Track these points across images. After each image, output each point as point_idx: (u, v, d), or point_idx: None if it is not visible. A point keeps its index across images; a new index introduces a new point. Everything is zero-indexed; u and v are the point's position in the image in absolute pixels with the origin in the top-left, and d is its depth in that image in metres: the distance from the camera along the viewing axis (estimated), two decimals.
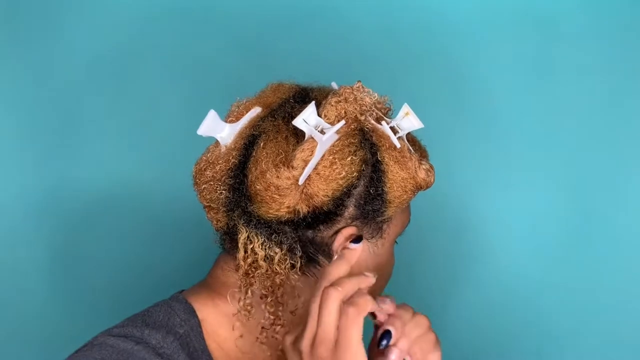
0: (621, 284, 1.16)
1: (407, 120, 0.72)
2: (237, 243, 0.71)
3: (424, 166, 0.72)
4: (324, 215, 0.70)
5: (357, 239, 0.70)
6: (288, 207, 0.68)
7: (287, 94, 0.75)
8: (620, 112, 1.16)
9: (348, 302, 0.63)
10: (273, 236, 0.70)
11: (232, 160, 0.71)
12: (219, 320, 0.74)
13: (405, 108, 0.72)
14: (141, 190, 1.15)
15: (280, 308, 0.71)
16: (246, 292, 0.71)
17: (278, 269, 0.70)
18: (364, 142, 0.70)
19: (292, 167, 0.67)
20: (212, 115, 0.72)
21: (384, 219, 0.73)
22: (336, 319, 0.63)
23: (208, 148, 0.75)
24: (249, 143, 0.71)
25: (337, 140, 0.69)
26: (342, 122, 0.70)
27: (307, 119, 0.68)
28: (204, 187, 0.73)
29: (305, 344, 0.64)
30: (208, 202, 0.73)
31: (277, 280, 0.70)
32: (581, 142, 1.16)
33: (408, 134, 0.73)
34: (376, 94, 0.73)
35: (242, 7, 1.16)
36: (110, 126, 1.15)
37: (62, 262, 1.14)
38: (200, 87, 1.15)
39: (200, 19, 1.15)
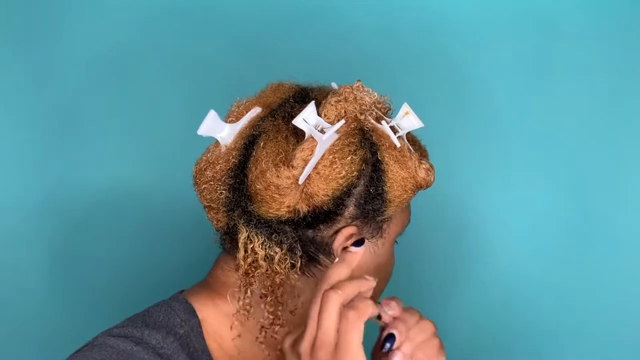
0: (621, 284, 1.16)
1: (407, 120, 0.72)
2: (237, 243, 0.71)
3: (424, 165, 0.72)
4: (324, 215, 0.70)
5: (358, 242, 0.70)
6: (288, 206, 0.68)
7: (287, 94, 0.75)
8: (620, 112, 1.16)
9: (348, 305, 0.63)
10: (273, 236, 0.70)
11: (232, 160, 0.71)
12: (219, 320, 0.74)
13: (405, 107, 0.72)
14: (141, 190, 1.15)
15: (280, 308, 0.71)
16: (246, 292, 0.71)
17: (278, 268, 0.70)
18: (364, 142, 0.70)
19: (292, 167, 0.67)
20: (212, 115, 0.72)
21: (384, 219, 0.73)
22: (336, 323, 0.62)
23: (208, 148, 0.75)
24: (249, 143, 0.71)
25: (337, 140, 0.69)
26: (342, 121, 0.70)
27: (307, 118, 0.68)
28: (204, 187, 0.73)
29: (304, 347, 0.63)
30: (208, 202, 0.73)
31: (277, 280, 0.70)
32: (581, 142, 1.16)
33: (408, 134, 0.74)
34: (376, 94, 0.73)
35: (242, 7, 1.16)
36: (111, 126, 1.15)
37: (62, 262, 1.14)
38: (200, 87, 1.15)
39: (200, 19, 1.15)
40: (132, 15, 1.14)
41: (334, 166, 0.68)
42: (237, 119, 0.74)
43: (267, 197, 0.68)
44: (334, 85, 0.76)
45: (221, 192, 0.72)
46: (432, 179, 0.73)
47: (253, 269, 0.70)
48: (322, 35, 1.16)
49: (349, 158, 0.69)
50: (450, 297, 1.18)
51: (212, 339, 0.74)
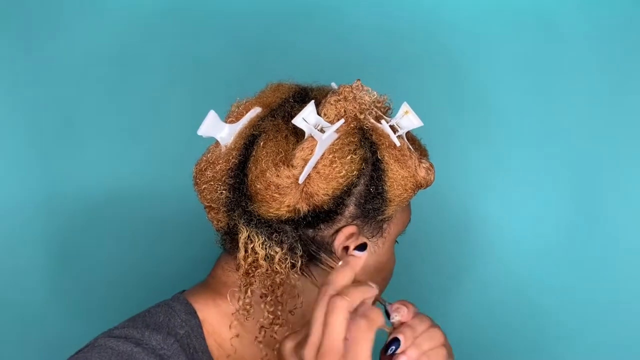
0: (621, 284, 1.16)
1: (407, 119, 0.72)
2: (237, 243, 0.71)
3: (424, 164, 0.72)
4: (324, 214, 0.70)
5: (361, 247, 0.69)
6: (288, 206, 0.69)
7: (286, 94, 0.75)
8: (620, 112, 1.16)
9: (361, 314, 0.61)
10: (273, 235, 0.70)
11: (232, 160, 0.71)
12: (220, 320, 0.74)
13: (405, 107, 0.72)
14: (141, 190, 1.15)
15: (280, 307, 0.71)
16: (246, 292, 0.71)
17: (278, 268, 0.70)
18: (364, 141, 0.71)
19: (292, 166, 0.67)
20: (212, 115, 0.72)
21: (385, 218, 0.73)
22: (344, 330, 0.61)
23: (208, 148, 0.75)
24: (249, 143, 0.71)
25: (336, 139, 0.69)
26: (342, 120, 0.70)
27: (306, 117, 0.68)
28: (205, 187, 0.73)
29: (309, 352, 0.61)
30: (209, 202, 0.73)
31: (277, 280, 0.70)
32: (581, 142, 1.16)
33: (408, 133, 0.74)
34: (375, 93, 0.73)
35: (242, 7, 1.16)
36: (111, 126, 1.15)
37: (62, 262, 1.14)
38: (200, 88, 1.15)
39: (200, 19, 1.15)
40: (132, 15, 1.14)
41: (334, 165, 0.68)
42: (237, 119, 0.74)
43: (267, 196, 0.68)
44: (334, 85, 0.76)
45: (221, 192, 0.72)
46: (432, 178, 0.73)
47: (253, 268, 0.70)
48: (322, 35, 1.16)
49: (348, 157, 0.69)
50: (451, 297, 1.18)
51: (212, 339, 0.74)
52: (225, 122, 0.74)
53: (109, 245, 1.15)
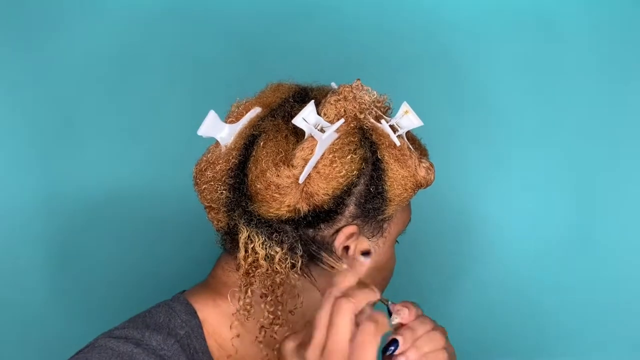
0: (621, 284, 1.16)
1: (407, 119, 0.72)
2: (237, 243, 0.71)
3: (424, 164, 0.72)
4: (324, 214, 0.70)
5: (366, 253, 0.69)
6: (288, 206, 0.69)
7: (286, 94, 0.75)
8: (620, 112, 1.16)
9: (368, 317, 0.62)
10: (274, 235, 0.70)
11: (232, 160, 0.71)
12: (220, 320, 0.74)
13: (405, 106, 0.72)
14: (142, 190, 1.15)
15: (280, 307, 0.71)
16: (246, 292, 0.71)
17: (278, 268, 0.70)
18: (364, 141, 0.71)
19: (292, 166, 0.67)
20: (211, 115, 0.72)
21: (385, 218, 0.73)
22: (349, 332, 0.61)
23: (208, 148, 0.75)
24: (249, 143, 0.71)
25: (337, 139, 0.69)
26: (342, 120, 0.70)
27: (306, 117, 0.68)
28: (205, 188, 0.73)
29: (312, 353, 0.62)
30: (209, 203, 0.73)
31: (277, 280, 0.70)
32: (581, 142, 1.16)
33: (408, 132, 0.74)
34: (375, 92, 0.73)
35: (242, 7, 1.16)
36: (110, 127, 1.14)
37: (62, 262, 1.14)
38: (200, 88, 1.15)
39: (200, 19, 1.15)
40: (132, 15, 1.14)
41: (334, 165, 0.68)
42: (237, 119, 0.74)
43: (268, 196, 0.68)
44: (334, 84, 0.76)
45: (221, 192, 0.72)
46: (432, 178, 0.73)
47: (253, 268, 0.70)
48: (322, 35, 1.16)
49: (349, 157, 0.69)
50: (451, 297, 1.18)
51: (212, 340, 0.74)
52: (225, 122, 0.74)
53: (109, 245, 1.15)
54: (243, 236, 0.70)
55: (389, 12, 1.17)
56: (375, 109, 0.73)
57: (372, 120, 0.72)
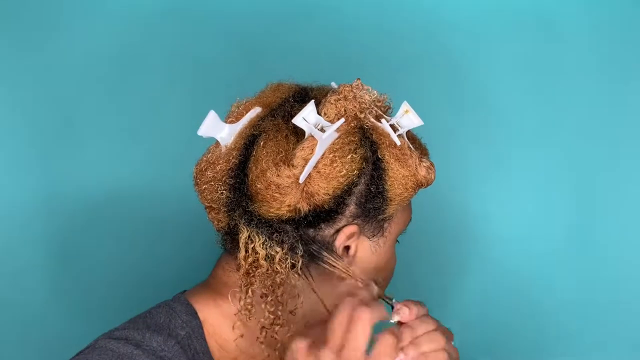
0: (621, 284, 1.16)
1: (407, 118, 0.72)
2: (238, 243, 0.71)
3: (424, 163, 0.72)
4: (325, 214, 0.70)
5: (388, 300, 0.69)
6: (289, 205, 0.69)
7: (286, 94, 0.75)
8: (620, 112, 1.16)
9: (390, 332, 0.63)
10: (274, 235, 0.70)
11: (233, 160, 0.71)
12: (221, 320, 0.74)
13: (405, 106, 0.72)
14: (142, 191, 1.15)
15: (280, 307, 0.71)
16: (247, 292, 0.71)
17: (279, 268, 0.70)
18: (364, 140, 0.71)
19: (293, 166, 0.67)
20: (212, 115, 0.72)
21: (385, 217, 0.73)
22: (367, 340, 0.62)
23: (208, 148, 0.75)
24: (249, 143, 0.71)
25: (337, 139, 0.69)
26: (342, 120, 0.70)
27: (306, 117, 0.68)
28: (205, 188, 0.73)
29: (327, 357, 0.62)
30: (209, 203, 0.73)
31: (278, 280, 0.70)
32: (581, 142, 1.16)
33: (408, 132, 0.74)
34: (375, 92, 0.73)
35: (242, 7, 1.16)
36: (111, 127, 1.14)
37: (62, 262, 1.14)
38: (200, 88, 1.15)
39: (200, 19, 1.15)
40: (132, 15, 1.14)
41: (335, 165, 0.68)
42: (237, 119, 0.74)
43: (268, 196, 0.68)
44: (334, 84, 0.76)
45: (222, 192, 0.72)
46: (432, 177, 0.73)
47: (254, 268, 0.70)
48: (322, 34, 1.16)
49: (349, 156, 0.69)
50: (451, 297, 1.18)
51: (213, 340, 0.74)
52: (225, 122, 0.74)
53: (109, 245, 1.15)
54: (243, 236, 0.70)
55: (389, 12, 1.17)
56: (375, 108, 0.73)
57: (372, 119, 0.72)
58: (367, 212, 0.71)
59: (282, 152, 0.69)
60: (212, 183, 0.72)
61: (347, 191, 0.70)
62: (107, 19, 1.14)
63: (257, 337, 0.72)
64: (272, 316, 0.71)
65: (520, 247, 1.17)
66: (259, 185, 0.68)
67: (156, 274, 1.15)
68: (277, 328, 0.72)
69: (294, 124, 0.69)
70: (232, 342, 0.74)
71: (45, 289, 1.14)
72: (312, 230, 0.70)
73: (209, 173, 0.72)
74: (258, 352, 0.74)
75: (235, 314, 0.73)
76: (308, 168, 0.67)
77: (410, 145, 0.73)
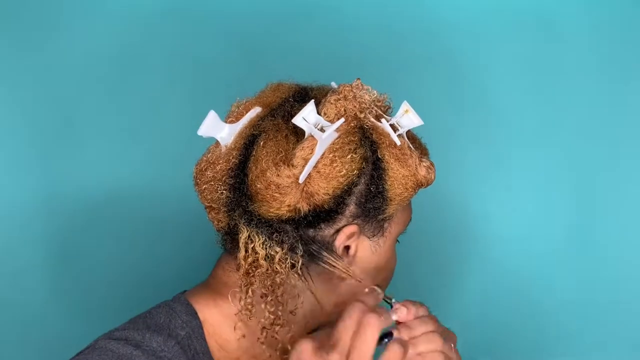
0: (621, 284, 1.16)
1: (407, 118, 0.72)
2: (238, 243, 0.71)
3: (424, 163, 0.72)
4: (325, 214, 0.70)
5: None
6: (289, 205, 0.69)
7: (286, 94, 0.75)
8: (620, 112, 1.16)
9: (398, 341, 0.64)
10: (274, 235, 0.70)
11: (233, 160, 0.71)
12: (221, 321, 0.74)
13: (405, 105, 0.72)
14: (142, 191, 1.15)
15: (280, 307, 0.71)
16: (247, 292, 0.71)
17: (278, 268, 0.70)
18: (364, 140, 0.71)
19: (292, 166, 0.67)
20: (212, 115, 0.72)
21: (385, 217, 0.73)
22: (375, 346, 0.62)
23: (208, 148, 0.75)
24: (249, 142, 0.71)
25: (337, 138, 0.69)
26: (342, 119, 0.70)
27: (306, 117, 0.68)
28: (205, 188, 0.73)
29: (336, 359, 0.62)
30: (209, 203, 0.73)
31: (278, 280, 0.70)
32: (581, 142, 1.16)
33: (408, 132, 0.74)
34: (375, 92, 0.73)
35: (242, 7, 1.16)
36: (111, 127, 1.14)
37: (62, 262, 1.14)
38: (200, 88, 1.15)
39: (200, 19, 1.15)
40: (132, 15, 1.14)
41: (334, 165, 0.68)
42: (237, 119, 0.74)
43: (268, 196, 0.68)
44: (334, 84, 0.76)
45: (222, 192, 0.72)
46: (432, 177, 0.73)
47: (254, 268, 0.70)
48: (322, 34, 1.16)
49: (349, 156, 0.69)
50: (450, 297, 1.18)
51: (213, 340, 0.74)
52: (225, 122, 0.74)
53: (109, 245, 1.15)
54: (243, 236, 0.70)
55: (389, 12, 1.17)
56: (375, 108, 0.73)
57: (372, 119, 0.72)
58: (367, 212, 0.71)
59: (282, 152, 0.69)
60: (212, 183, 0.72)
61: (347, 191, 0.70)
62: (107, 19, 1.14)
63: (258, 338, 0.72)
64: (272, 316, 0.71)
65: (520, 247, 1.17)
66: (258, 185, 0.68)
67: (156, 274, 1.15)
68: (277, 328, 0.72)
69: (293, 124, 0.69)
70: (232, 342, 0.74)
71: (45, 289, 1.14)
72: (312, 230, 0.70)
73: (209, 173, 0.72)
74: (259, 352, 0.74)
75: (235, 314, 0.73)
76: (308, 168, 0.67)
77: (410, 145, 0.73)
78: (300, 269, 0.71)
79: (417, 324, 0.68)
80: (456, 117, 1.16)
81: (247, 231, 0.70)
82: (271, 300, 0.71)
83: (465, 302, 1.18)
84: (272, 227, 0.70)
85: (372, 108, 0.72)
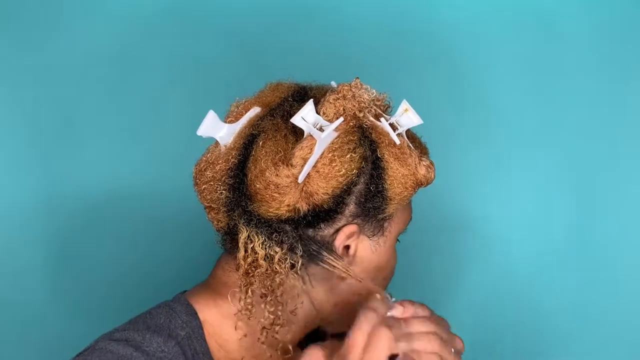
0: (621, 284, 1.16)
1: (406, 117, 0.72)
2: (237, 243, 0.71)
3: (424, 162, 0.72)
4: (324, 214, 0.70)
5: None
6: (288, 205, 0.68)
7: (285, 93, 0.75)
8: (620, 112, 1.16)
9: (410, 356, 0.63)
10: (273, 235, 0.70)
11: (232, 159, 0.71)
12: (221, 321, 0.74)
13: (404, 104, 0.72)
14: (142, 191, 1.15)
15: (280, 307, 0.71)
16: (246, 292, 0.71)
17: (278, 268, 0.70)
18: (363, 139, 0.70)
19: (292, 165, 0.67)
20: (211, 115, 0.72)
21: (385, 216, 0.73)
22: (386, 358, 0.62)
23: (208, 148, 0.75)
24: (248, 142, 0.71)
25: (336, 138, 0.69)
26: (341, 119, 0.70)
27: (305, 116, 0.68)
28: (204, 188, 0.73)
29: None
30: (209, 203, 0.73)
31: (277, 280, 0.70)
32: (581, 142, 1.16)
33: (408, 131, 0.73)
34: (374, 91, 0.73)
35: (242, 7, 1.16)
36: (111, 127, 1.14)
37: (62, 262, 1.14)
38: (200, 88, 1.15)
39: (200, 19, 1.15)
40: (132, 15, 1.14)
41: (334, 164, 0.68)
42: (237, 119, 0.74)
43: (267, 196, 0.68)
44: (333, 83, 0.76)
45: (221, 192, 0.72)
46: (432, 176, 0.73)
47: (253, 268, 0.70)
48: (322, 35, 1.16)
49: (348, 156, 0.69)
50: (450, 297, 1.18)
51: (213, 340, 0.74)
52: (225, 122, 0.74)
53: (109, 245, 1.15)
54: (243, 236, 0.70)
55: (389, 12, 1.16)
56: (374, 107, 0.73)
57: (371, 118, 0.72)
58: (367, 212, 0.71)
59: (281, 151, 0.69)
60: (212, 183, 0.72)
61: (347, 190, 0.70)
62: (107, 19, 1.14)
63: (258, 338, 0.72)
64: (272, 316, 0.71)
65: (520, 247, 1.17)
66: (258, 185, 0.68)
67: (156, 274, 1.15)
68: (277, 328, 0.72)
69: (292, 124, 0.69)
70: (233, 342, 0.74)
71: (45, 289, 1.14)
72: (311, 230, 0.70)
73: (208, 173, 0.72)
74: (260, 352, 0.74)
75: (235, 314, 0.73)
76: (307, 168, 0.67)
77: (410, 144, 0.73)
78: (300, 269, 0.71)
79: (414, 322, 0.68)
80: (456, 117, 1.16)
81: (247, 231, 0.70)
82: (271, 300, 0.71)
83: (465, 302, 1.18)
84: (271, 227, 0.70)
85: (371, 107, 0.72)
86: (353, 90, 0.72)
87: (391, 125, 0.72)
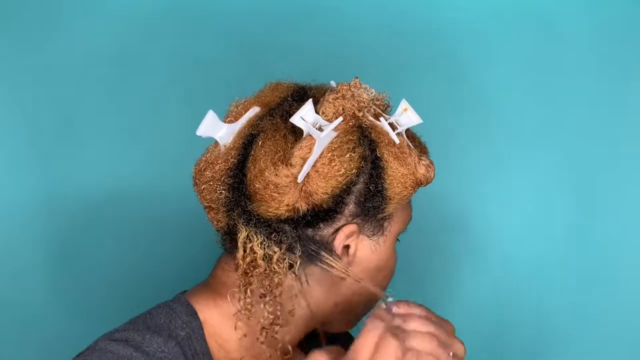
0: (621, 284, 1.16)
1: (406, 116, 0.72)
2: (237, 243, 0.71)
3: (423, 162, 0.72)
4: (324, 213, 0.69)
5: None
6: (287, 205, 0.68)
7: (285, 93, 0.75)
8: (620, 112, 1.16)
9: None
10: (273, 235, 0.70)
11: (231, 159, 0.71)
12: (221, 321, 0.74)
13: (404, 104, 0.72)
14: (142, 191, 1.15)
15: (279, 307, 0.71)
16: (245, 292, 0.71)
17: (276, 268, 0.70)
18: (363, 139, 0.70)
19: (291, 165, 0.67)
20: (210, 115, 0.72)
21: (385, 216, 0.73)
22: None
23: (207, 148, 0.75)
24: (247, 142, 0.71)
25: (335, 138, 0.69)
26: (340, 118, 0.70)
27: (304, 116, 0.68)
28: (204, 188, 0.73)
29: None
30: (208, 203, 0.73)
31: (276, 280, 0.70)
32: (581, 142, 1.16)
33: (407, 130, 0.73)
34: (374, 90, 0.73)
35: (242, 7, 1.16)
36: (110, 127, 1.15)
37: (62, 262, 1.14)
38: (200, 88, 1.15)
39: (200, 19, 1.15)
40: (132, 15, 1.14)
41: (333, 164, 0.68)
42: (236, 119, 0.73)
43: (266, 196, 0.68)
44: (333, 83, 0.76)
45: (221, 192, 0.72)
46: (432, 175, 0.73)
47: (252, 268, 0.70)
48: (322, 34, 1.16)
49: (347, 155, 0.69)
50: (450, 297, 1.18)
51: (213, 340, 0.74)
52: (224, 121, 0.73)
53: (109, 245, 1.15)
54: (242, 236, 0.70)
55: (389, 12, 1.17)
56: (374, 106, 0.72)
57: (370, 118, 0.72)
58: (367, 211, 0.71)
59: (280, 151, 0.69)
60: (211, 183, 0.72)
61: (346, 190, 0.69)
62: (107, 19, 1.14)
63: (258, 338, 0.72)
64: (271, 316, 0.71)
65: (520, 247, 1.17)
66: (257, 185, 0.68)
67: (156, 274, 1.15)
68: (277, 328, 0.72)
69: (292, 123, 0.69)
70: (233, 342, 0.74)
71: (45, 289, 1.14)
72: (311, 229, 0.70)
73: (207, 173, 0.72)
74: (260, 352, 0.74)
75: (234, 314, 0.73)
76: (306, 167, 0.67)
77: (410, 144, 0.73)
78: (298, 269, 0.71)
79: (411, 320, 0.67)
80: (456, 117, 1.16)
81: (246, 231, 0.70)
82: (270, 300, 0.71)
83: (465, 302, 1.18)
84: (270, 227, 0.70)
85: (371, 107, 0.72)
86: (352, 89, 0.71)
87: (390, 124, 0.72)
